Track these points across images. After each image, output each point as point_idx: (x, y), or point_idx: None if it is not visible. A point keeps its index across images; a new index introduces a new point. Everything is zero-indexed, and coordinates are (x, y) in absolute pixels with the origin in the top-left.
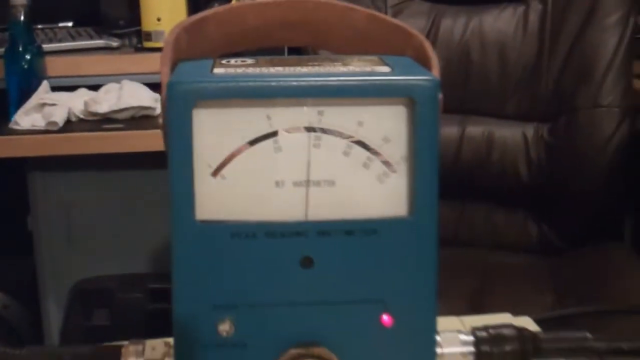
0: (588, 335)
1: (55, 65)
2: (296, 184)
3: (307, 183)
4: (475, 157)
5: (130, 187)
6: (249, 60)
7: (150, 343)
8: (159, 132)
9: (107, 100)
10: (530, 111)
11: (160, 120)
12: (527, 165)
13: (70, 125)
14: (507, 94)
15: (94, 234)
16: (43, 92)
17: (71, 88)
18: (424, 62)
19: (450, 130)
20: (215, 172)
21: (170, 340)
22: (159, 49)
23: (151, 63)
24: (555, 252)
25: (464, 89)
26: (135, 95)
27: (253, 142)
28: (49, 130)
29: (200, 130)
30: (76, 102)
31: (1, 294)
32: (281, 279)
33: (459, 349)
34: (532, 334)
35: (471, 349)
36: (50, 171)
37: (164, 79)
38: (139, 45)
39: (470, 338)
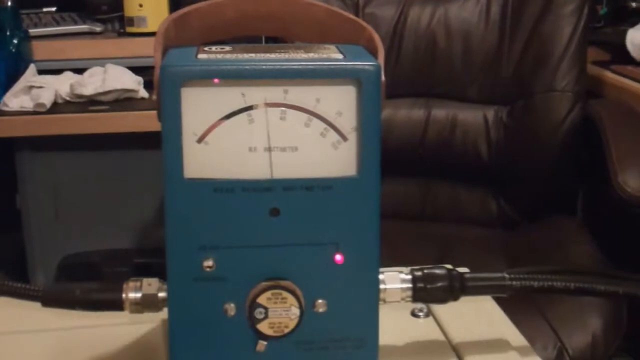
0: (506, 275)
1: (41, 49)
2: (266, 149)
3: (275, 149)
4: (439, 138)
5: (114, 166)
6: (227, 48)
7: (146, 280)
8: (142, 113)
9: (92, 83)
10: (491, 95)
11: (154, 97)
12: (488, 146)
13: (57, 106)
14: (470, 79)
15: (80, 211)
16: (30, 75)
17: (57, 71)
18: (373, 51)
19: (417, 113)
20: (200, 139)
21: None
22: (141, 34)
23: (134, 48)
24: (512, 225)
25: (430, 74)
26: (119, 79)
27: (230, 115)
28: (37, 112)
29: (187, 105)
30: (62, 85)
31: None
32: (254, 225)
33: (399, 285)
34: (460, 274)
35: (409, 285)
36: (38, 151)
37: (157, 63)
38: (122, 30)
39: (409, 277)
